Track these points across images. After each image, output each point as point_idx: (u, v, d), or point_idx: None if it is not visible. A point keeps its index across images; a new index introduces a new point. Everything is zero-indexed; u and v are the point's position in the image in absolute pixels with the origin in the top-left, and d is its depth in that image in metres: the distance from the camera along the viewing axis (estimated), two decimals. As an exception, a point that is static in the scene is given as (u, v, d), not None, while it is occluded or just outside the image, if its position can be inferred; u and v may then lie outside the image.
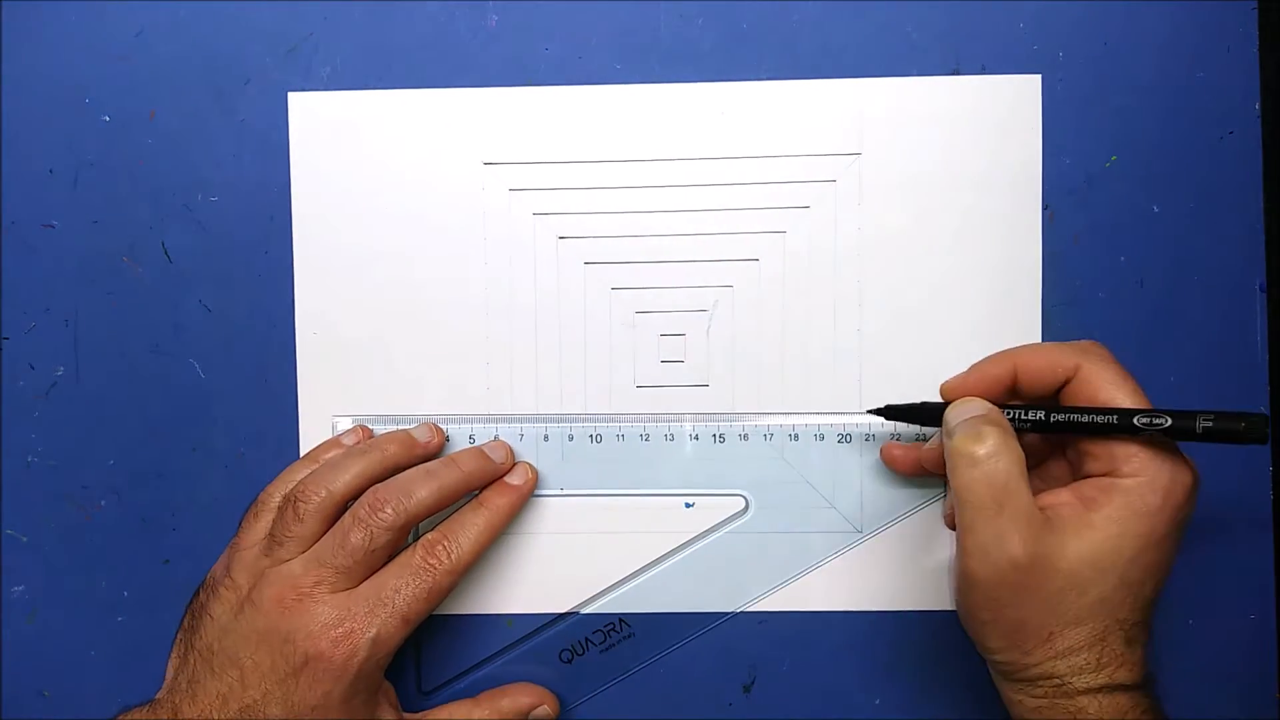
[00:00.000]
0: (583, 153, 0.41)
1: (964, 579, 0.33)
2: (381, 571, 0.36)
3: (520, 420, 0.41)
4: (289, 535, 0.36)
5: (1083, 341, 0.36)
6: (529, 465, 0.40)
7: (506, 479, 0.39)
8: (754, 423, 0.40)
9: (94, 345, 0.41)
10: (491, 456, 0.39)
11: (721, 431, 0.40)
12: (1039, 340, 0.40)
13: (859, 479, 0.40)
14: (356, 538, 0.35)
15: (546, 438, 0.41)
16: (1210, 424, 0.31)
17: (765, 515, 0.41)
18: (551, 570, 0.41)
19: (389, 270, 0.41)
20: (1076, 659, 0.32)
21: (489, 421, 0.41)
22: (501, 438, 0.40)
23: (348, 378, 0.41)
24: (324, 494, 0.36)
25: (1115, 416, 0.33)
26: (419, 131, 0.41)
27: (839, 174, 0.40)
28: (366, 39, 0.41)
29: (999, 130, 0.40)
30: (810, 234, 0.41)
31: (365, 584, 0.36)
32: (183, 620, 0.37)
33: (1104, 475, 0.33)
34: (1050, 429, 0.34)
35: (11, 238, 0.41)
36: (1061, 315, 0.40)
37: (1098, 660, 0.32)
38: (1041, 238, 0.40)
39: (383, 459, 0.38)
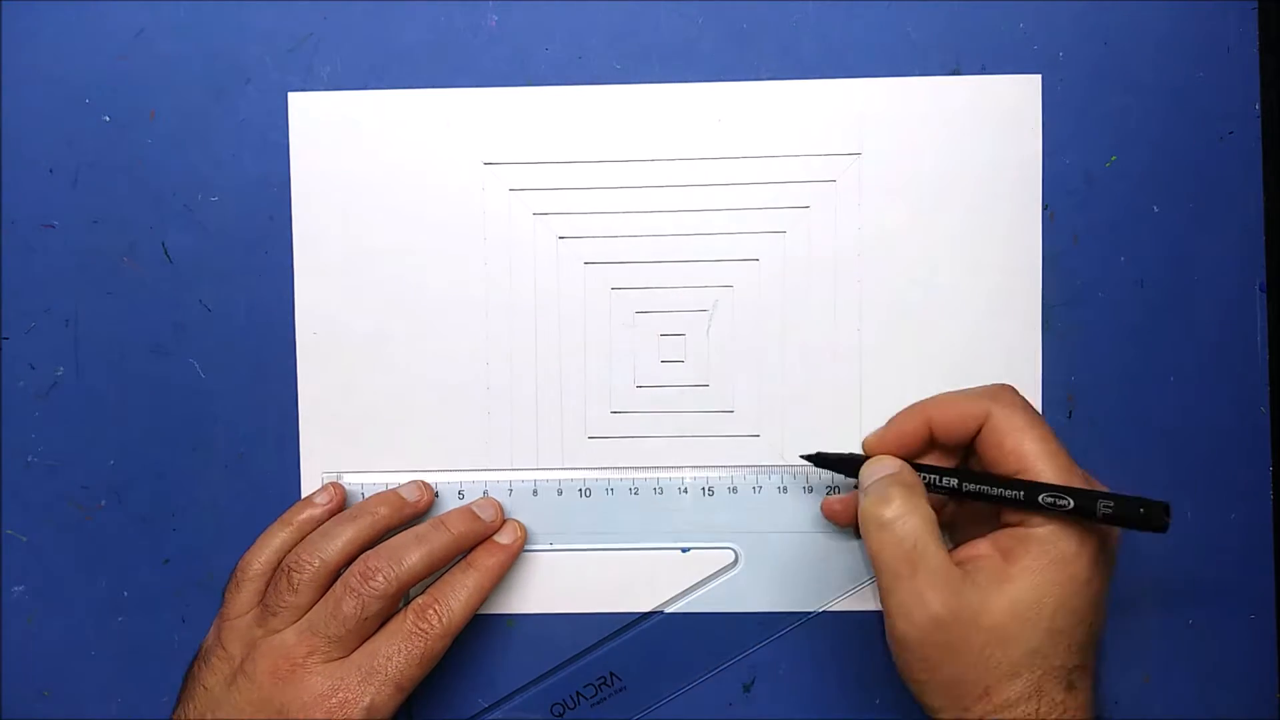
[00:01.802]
0: (583, 153, 0.41)
1: (894, 642, 0.33)
2: (374, 638, 0.36)
3: (510, 472, 0.41)
4: (283, 605, 0.36)
5: (993, 386, 0.36)
6: (518, 523, 0.40)
7: (496, 538, 0.39)
8: (742, 476, 0.40)
9: (94, 345, 0.41)
10: (480, 515, 0.39)
11: (711, 485, 0.40)
12: (1038, 342, 0.40)
13: (850, 530, 0.40)
14: (349, 607, 0.35)
15: (536, 492, 0.40)
16: (1109, 509, 0.31)
17: (755, 567, 0.40)
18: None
19: (389, 270, 0.41)
20: (1016, 711, 0.32)
21: (478, 473, 0.40)
22: (490, 494, 0.40)
23: (348, 377, 0.41)
24: (318, 563, 0.36)
25: (1022, 493, 0.33)
26: (419, 131, 0.41)
27: (839, 174, 0.40)
28: (366, 39, 0.41)
29: (999, 130, 0.40)
30: (810, 234, 0.41)
31: (358, 652, 0.36)
32: (180, 691, 0.37)
33: (1019, 525, 0.33)
34: (963, 497, 0.35)
35: (11, 238, 0.41)
36: (1061, 315, 0.40)
37: (1037, 711, 0.32)
38: (1041, 238, 0.40)
39: (373, 523, 0.38)
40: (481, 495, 0.40)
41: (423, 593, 0.38)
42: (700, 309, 0.41)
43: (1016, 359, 0.40)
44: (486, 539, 0.39)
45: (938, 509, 0.36)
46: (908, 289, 0.40)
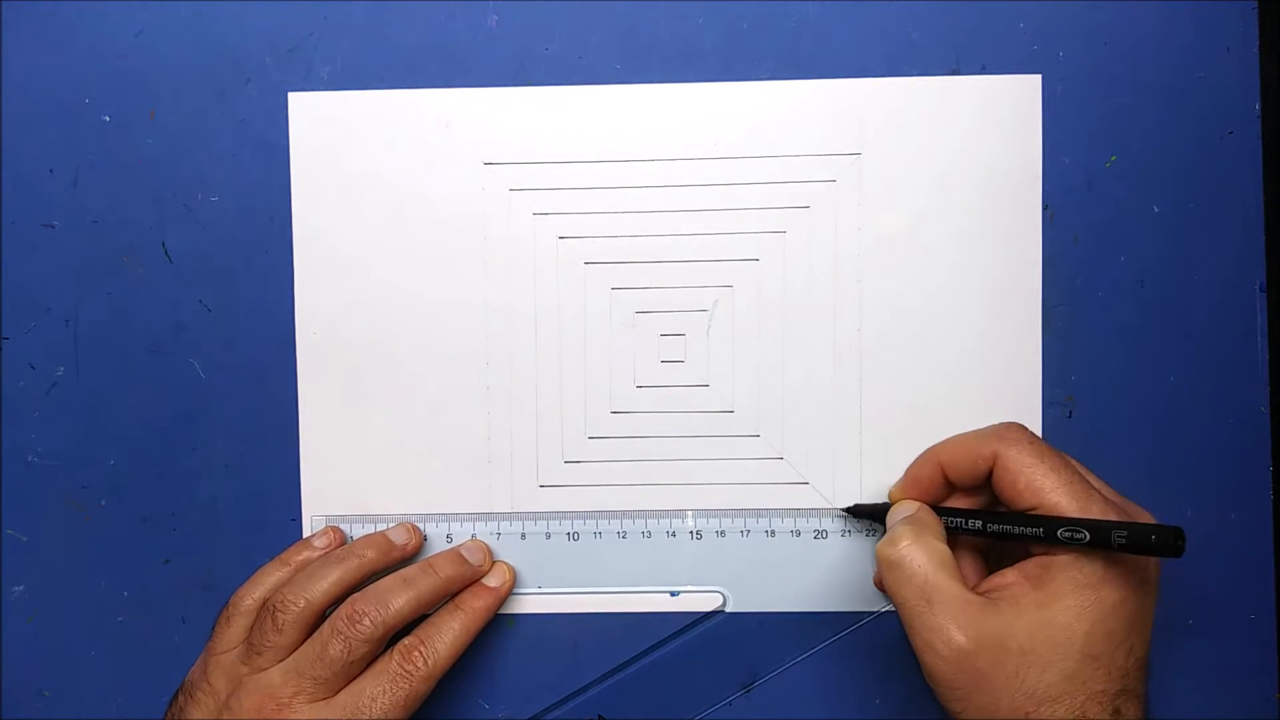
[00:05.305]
0: (583, 153, 0.41)
1: (928, 679, 0.34)
2: (359, 679, 0.36)
3: (498, 519, 0.41)
4: (268, 644, 0.36)
5: (999, 425, 0.36)
6: (506, 566, 0.40)
7: (484, 581, 0.40)
8: (730, 520, 0.40)
9: (94, 345, 0.41)
10: (469, 559, 0.39)
11: (699, 530, 0.40)
12: (1038, 342, 0.40)
13: (836, 574, 0.40)
14: (335, 649, 0.35)
15: (524, 536, 0.41)
16: (1124, 539, 0.31)
17: (743, 611, 0.41)
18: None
19: (389, 270, 0.41)
20: None
21: (466, 518, 0.41)
22: (479, 537, 0.40)
23: (348, 378, 0.41)
24: (303, 604, 0.36)
25: (1042, 529, 0.33)
26: (419, 131, 0.41)
27: (839, 174, 0.40)
28: (366, 39, 0.41)
29: (999, 130, 0.40)
30: (810, 234, 0.41)
31: (343, 693, 0.36)
32: None
33: (1045, 554, 0.34)
34: (989, 537, 0.35)
35: (11, 238, 0.41)
36: (1061, 315, 0.40)
37: None
38: (1041, 238, 0.40)
39: (360, 565, 0.38)
40: (470, 539, 0.40)
41: (409, 633, 0.37)
42: (700, 309, 0.41)
43: (1016, 359, 0.40)
44: (474, 582, 0.39)
45: (969, 547, 0.37)
46: (908, 289, 0.40)
